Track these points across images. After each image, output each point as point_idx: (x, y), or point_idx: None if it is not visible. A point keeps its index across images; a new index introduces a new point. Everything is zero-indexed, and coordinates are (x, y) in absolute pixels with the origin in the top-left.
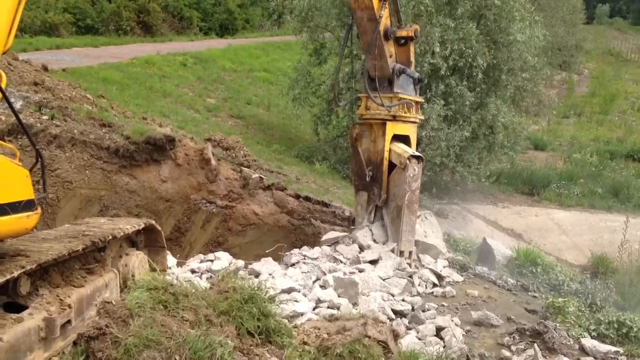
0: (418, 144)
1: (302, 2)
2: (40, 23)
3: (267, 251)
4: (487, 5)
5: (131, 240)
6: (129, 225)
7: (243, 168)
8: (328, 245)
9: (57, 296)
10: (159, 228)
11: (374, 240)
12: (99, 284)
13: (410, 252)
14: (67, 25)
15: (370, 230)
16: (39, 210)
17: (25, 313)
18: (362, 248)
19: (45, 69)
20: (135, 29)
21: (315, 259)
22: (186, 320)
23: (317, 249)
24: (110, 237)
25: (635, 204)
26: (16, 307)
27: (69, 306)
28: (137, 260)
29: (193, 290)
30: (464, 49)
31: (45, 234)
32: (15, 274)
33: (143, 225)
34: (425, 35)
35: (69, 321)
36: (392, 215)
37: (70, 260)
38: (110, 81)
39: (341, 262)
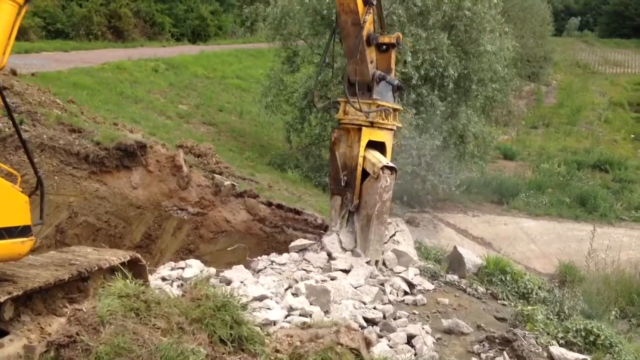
0: None
1: (276, 10)
2: None
3: (228, 249)
4: (458, 16)
5: (115, 272)
6: (115, 256)
7: (215, 175)
8: (296, 252)
9: (39, 324)
10: (144, 262)
11: (342, 248)
12: None
13: (376, 262)
14: (37, 29)
15: (338, 236)
16: (34, 237)
17: (6, 339)
18: (330, 255)
19: (14, 73)
20: (106, 33)
21: (283, 264)
22: (158, 328)
23: (285, 255)
24: (97, 268)
25: (602, 213)
26: None
27: (49, 335)
28: None
29: (165, 298)
30: (435, 59)
31: (32, 259)
32: (2, 299)
33: (129, 258)
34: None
35: (48, 350)
36: (362, 223)
37: (54, 288)
38: (80, 86)
39: (310, 271)
